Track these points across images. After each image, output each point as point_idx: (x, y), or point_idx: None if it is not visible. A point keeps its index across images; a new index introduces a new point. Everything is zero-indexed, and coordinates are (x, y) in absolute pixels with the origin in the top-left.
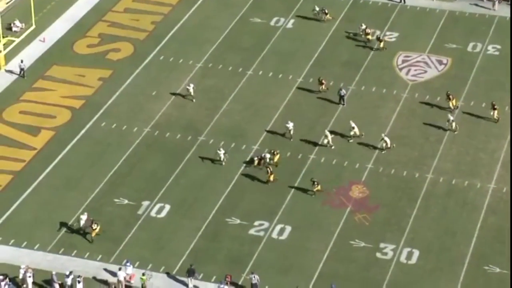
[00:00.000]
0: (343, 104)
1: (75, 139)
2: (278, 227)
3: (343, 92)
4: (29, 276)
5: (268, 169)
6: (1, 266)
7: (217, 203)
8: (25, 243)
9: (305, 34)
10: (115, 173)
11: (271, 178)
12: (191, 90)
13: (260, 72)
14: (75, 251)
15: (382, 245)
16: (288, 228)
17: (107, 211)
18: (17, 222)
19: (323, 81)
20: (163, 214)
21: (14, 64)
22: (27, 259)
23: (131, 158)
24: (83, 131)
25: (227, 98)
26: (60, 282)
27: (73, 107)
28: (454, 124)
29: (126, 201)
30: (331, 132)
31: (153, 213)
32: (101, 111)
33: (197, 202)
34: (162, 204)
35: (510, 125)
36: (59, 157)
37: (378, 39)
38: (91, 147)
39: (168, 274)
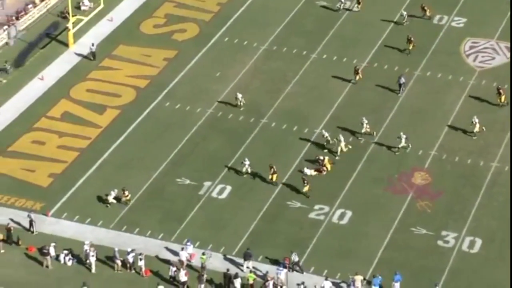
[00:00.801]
0: (400, 93)
1: (139, 118)
2: (339, 211)
3: (402, 80)
4: (92, 255)
5: (305, 181)
6: (66, 241)
7: (276, 189)
8: (88, 219)
9: (370, 19)
10: (178, 153)
11: (306, 189)
12: (240, 99)
13: (324, 56)
14: (137, 229)
15: (443, 233)
16: (349, 213)
17: (169, 190)
18: (81, 198)
19: (359, 70)
20: (224, 195)
21: (82, 43)
22: (91, 235)
23: (194, 138)
24: (147, 111)
25: (290, 81)
26: (121, 259)
27: (138, 86)
28: (477, 126)
29: (187, 181)
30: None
31: (214, 194)
32: (165, 91)
33: (258, 185)
34: (223, 185)
35: (510, 122)
36: (123, 135)
37: (423, 8)
38: (155, 126)
39: (225, 256)
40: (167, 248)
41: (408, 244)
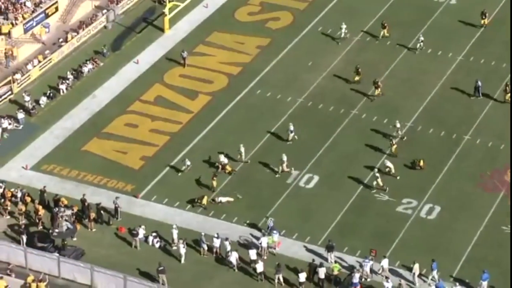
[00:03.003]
0: (478, 96)
1: (230, 105)
2: (427, 206)
3: (479, 83)
4: (183, 247)
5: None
6: (154, 223)
7: (366, 178)
8: (177, 203)
9: (468, 11)
10: (267, 141)
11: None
12: (242, 152)
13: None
14: (224, 215)
15: None
16: (437, 208)
17: (257, 178)
18: (171, 182)
19: (360, 70)
20: (311, 184)
21: (178, 28)
22: (178, 219)
23: (284, 126)
24: (238, 98)
25: (383, 73)
26: (208, 243)
27: (231, 73)
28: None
29: (276, 169)
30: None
31: (301, 183)
32: (257, 78)
33: (346, 175)
34: (311, 175)
35: (510, 122)
36: (214, 121)
37: None
38: (245, 113)
39: (305, 248)
40: (252, 235)
41: (498, 243)
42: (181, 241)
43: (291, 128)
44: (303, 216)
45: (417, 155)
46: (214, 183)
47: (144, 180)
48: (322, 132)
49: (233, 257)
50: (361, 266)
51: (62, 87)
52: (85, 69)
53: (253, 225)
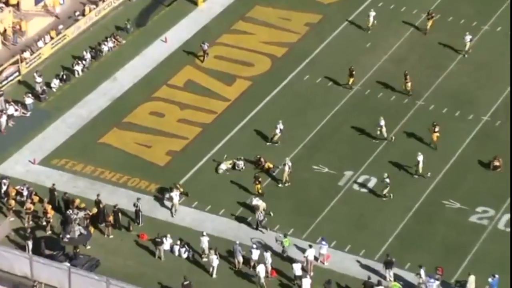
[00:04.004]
0: None
1: (274, 92)
2: (506, 216)
3: None
4: (217, 258)
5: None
6: (182, 230)
7: (433, 181)
8: (209, 206)
9: None
10: (316, 134)
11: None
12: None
13: (499, 28)
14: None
15: None
16: None
17: (302, 178)
18: (202, 182)
19: (354, 72)
20: (367, 187)
21: (213, 1)
22: (210, 226)
23: (335, 119)
24: (283, 84)
25: (455, 57)
26: (244, 253)
27: (274, 55)
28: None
29: (326, 169)
30: None
31: (356, 186)
32: (306, 61)
33: (409, 177)
34: (367, 176)
35: (510, 121)
36: (254, 111)
37: None
38: (291, 103)
39: (359, 263)
40: (296, 246)
41: None
42: (212, 251)
43: (280, 126)
44: (357, 225)
45: (494, 154)
46: (258, 187)
47: (171, 179)
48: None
49: (262, 270)
50: (425, 286)
51: (78, 68)
52: (105, 48)
53: (297, 234)
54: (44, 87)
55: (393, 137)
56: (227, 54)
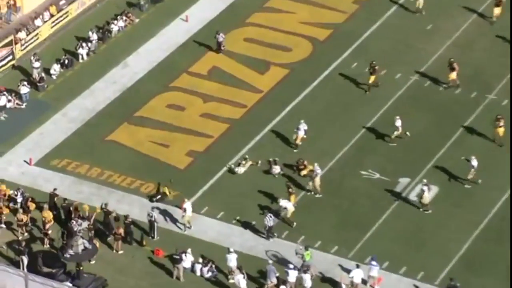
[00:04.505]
0: None
1: (315, 83)
2: None
3: None
4: (243, 278)
5: None
6: (204, 245)
7: (505, 192)
8: (237, 217)
9: None
10: (366, 134)
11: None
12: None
13: None
14: (302, 237)
15: None
16: None
17: (349, 185)
18: (228, 189)
19: (376, 68)
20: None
21: None
22: (238, 241)
23: (389, 114)
24: (326, 72)
25: None
26: (277, 274)
27: (316, 38)
28: None
29: (377, 175)
30: None
31: (412, 195)
32: (353, 46)
33: (477, 186)
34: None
35: (510, 120)
36: (291, 105)
37: None
38: (336, 95)
39: (416, 287)
40: (341, 266)
41: None
42: (239, 271)
43: (304, 126)
44: (414, 243)
45: None
46: (292, 198)
47: (192, 185)
48: (444, 122)
49: None
50: None
51: (82, 51)
52: (114, 28)
53: (342, 252)
54: (43, 74)
55: (408, 133)
56: (259, 37)
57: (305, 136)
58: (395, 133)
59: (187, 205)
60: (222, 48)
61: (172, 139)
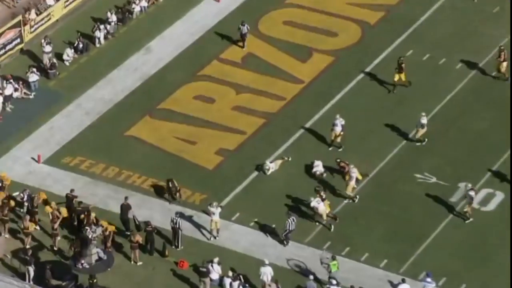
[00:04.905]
0: None
1: (363, 73)
2: None
3: None
4: None
5: None
6: (235, 256)
7: None
8: (273, 225)
9: None
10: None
11: None
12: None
13: None
14: (347, 249)
15: None
16: None
17: (401, 191)
18: (264, 192)
19: (403, 65)
20: (491, 206)
21: None
22: (273, 252)
23: (449, 111)
24: (376, 61)
25: None
26: None
27: (366, 21)
28: None
29: (434, 179)
30: None
31: (475, 203)
32: (407, 32)
33: None
34: (491, 190)
35: (510, 120)
36: (336, 97)
37: None
38: (387, 86)
39: None
40: (390, 283)
41: None
42: (275, 285)
43: (340, 121)
44: (476, 257)
45: None
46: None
47: (222, 187)
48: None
49: None
50: None
51: (99, 34)
52: (136, 8)
53: (393, 267)
54: (54, 60)
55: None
56: (301, 20)
57: (342, 133)
58: (421, 130)
59: (215, 210)
60: (245, 40)
61: (199, 135)
